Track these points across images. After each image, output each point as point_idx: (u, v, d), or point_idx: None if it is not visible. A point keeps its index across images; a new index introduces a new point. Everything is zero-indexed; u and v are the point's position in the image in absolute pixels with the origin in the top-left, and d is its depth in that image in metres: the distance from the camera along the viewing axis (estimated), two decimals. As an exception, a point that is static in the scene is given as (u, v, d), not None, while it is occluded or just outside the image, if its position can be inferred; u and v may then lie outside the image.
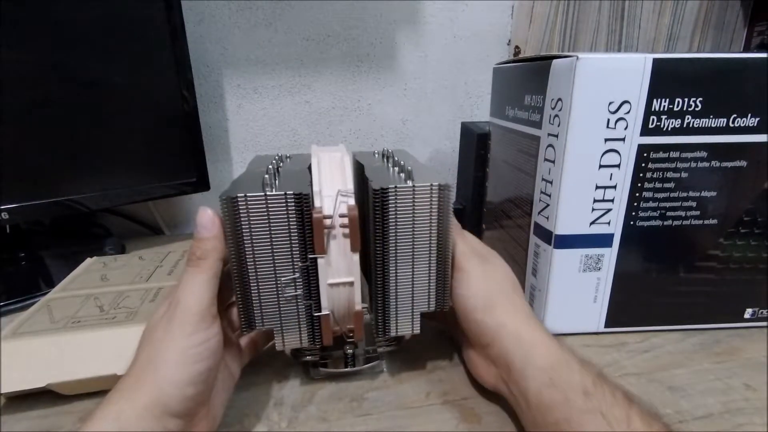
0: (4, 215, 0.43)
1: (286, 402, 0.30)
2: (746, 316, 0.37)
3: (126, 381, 0.23)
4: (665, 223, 0.34)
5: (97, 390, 0.30)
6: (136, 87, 0.48)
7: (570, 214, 0.34)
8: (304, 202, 0.26)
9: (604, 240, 0.34)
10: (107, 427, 0.21)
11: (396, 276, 0.28)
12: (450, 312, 0.33)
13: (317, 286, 0.28)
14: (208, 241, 0.25)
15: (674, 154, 0.33)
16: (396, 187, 0.27)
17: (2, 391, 0.28)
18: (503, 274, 0.31)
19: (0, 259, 0.49)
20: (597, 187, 0.33)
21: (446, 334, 0.36)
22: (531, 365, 0.25)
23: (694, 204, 0.34)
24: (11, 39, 0.41)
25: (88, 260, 0.44)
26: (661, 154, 0.32)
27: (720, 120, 0.32)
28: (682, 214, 0.34)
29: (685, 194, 0.34)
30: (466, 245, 0.30)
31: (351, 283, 0.29)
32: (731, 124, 0.32)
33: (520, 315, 0.28)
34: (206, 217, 0.26)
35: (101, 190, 0.48)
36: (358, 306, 0.29)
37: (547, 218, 0.35)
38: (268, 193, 0.26)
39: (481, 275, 0.29)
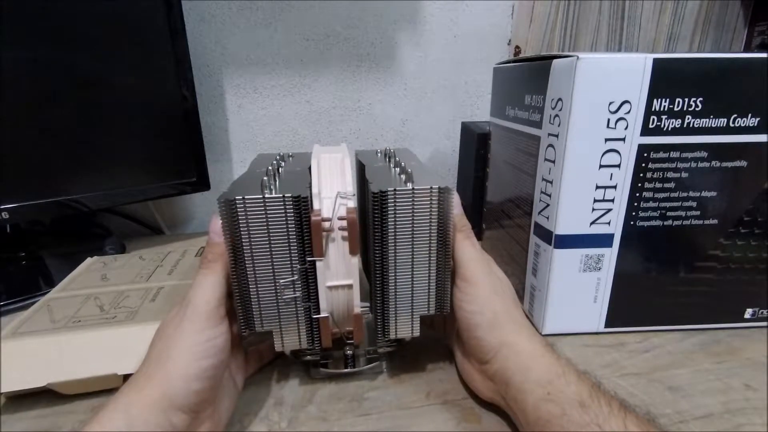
0: (4, 215, 0.43)
1: (286, 402, 0.30)
2: (746, 316, 0.37)
3: (137, 375, 0.24)
4: (665, 223, 0.34)
5: (97, 390, 0.30)
6: (137, 87, 0.48)
7: (570, 214, 0.34)
8: (302, 205, 0.26)
9: (604, 240, 0.34)
10: (117, 417, 0.22)
11: (395, 279, 0.28)
12: (448, 322, 0.33)
13: (316, 288, 0.28)
14: (219, 246, 0.27)
15: (674, 154, 0.33)
16: (395, 190, 0.27)
17: (2, 391, 0.28)
18: (507, 288, 0.31)
19: (0, 259, 0.49)
20: (597, 187, 0.33)
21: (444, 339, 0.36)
22: (529, 380, 0.25)
23: (694, 204, 0.34)
24: (11, 38, 0.41)
25: (88, 260, 0.44)
26: (661, 154, 0.32)
27: (720, 120, 0.32)
28: (683, 214, 0.34)
29: (685, 194, 0.34)
30: (475, 250, 0.30)
31: (350, 286, 0.29)
32: (731, 124, 0.32)
33: (520, 331, 0.28)
34: (218, 224, 0.27)
35: (101, 190, 0.48)
36: (357, 308, 0.29)
37: (548, 218, 0.35)
38: (266, 195, 0.25)
39: (490, 291, 0.29)
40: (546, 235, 0.35)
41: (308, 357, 0.32)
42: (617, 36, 0.70)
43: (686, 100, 0.31)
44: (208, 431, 0.25)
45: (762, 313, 0.37)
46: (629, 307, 0.36)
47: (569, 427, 0.22)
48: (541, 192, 0.35)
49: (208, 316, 0.25)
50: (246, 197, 0.25)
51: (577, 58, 0.30)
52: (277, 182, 0.29)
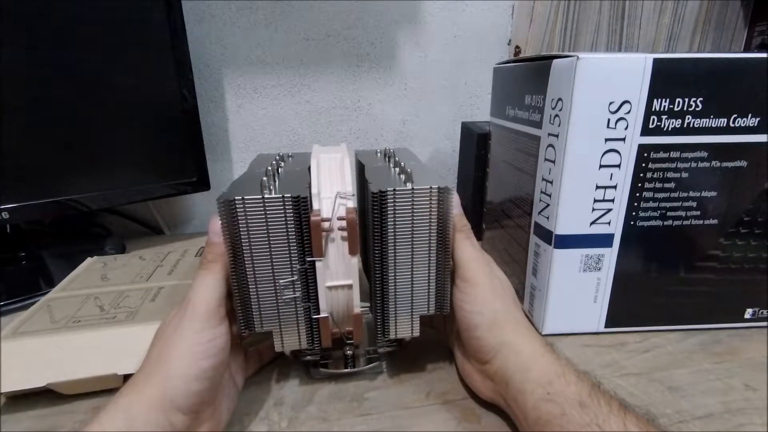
0: (4, 215, 0.43)
1: (287, 402, 0.30)
2: (746, 316, 0.37)
3: (137, 376, 0.24)
4: (665, 223, 0.34)
5: (97, 390, 0.30)
6: (137, 86, 0.48)
7: (570, 214, 0.34)
8: (302, 205, 0.26)
9: (604, 240, 0.34)
10: (117, 418, 0.22)
11: (395, 278, 0.28)
12: (448, 322, 0.33)
13: (316, 289, 0.28)
14: (218, 246, 0.27)
15: (674, 154, 0.33)
16: (395, 190, 0.27)
17: (2, 391, 0.28)
18: (507, 288, 0.31)
19: (0, 259, 0.49)
20: (597, 187, 0.33)
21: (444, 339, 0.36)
22: (529, 380, 0.25)
23: (694, 204, 0.34)
24: (11, 38, 0.41)
25: (89, 260, 0.44)
26: (661, 154, 0.32)
27: (720, 120, 0.32)
28: (683, 214, 0.34)
29: (685, 194, 0.34)
30: (475, 250, 0.30)
31: (350, 286, 0.29)
32: (731, 124, 0.32)
33: (520, 330, 0.28)
34: (217, 224, 0.27)
35: (101, 190, 0.48)
36: (357, 308, 0.29)
37: (548, 218, 0.35)
38: (266, 196, 0.25)
39: (490, 291, 0.29)
40: (546, 235, 0.35)
41: (308, 357, 0.32)
42: (617, 36, 0.70)
43: (686, 100, 0.31)
44: (208, 431, 0.25)
45: (762, 313, 0.37)
46: (629, 307, 0.36)
47: (569, 427, 0.22)
48: (541, 192, 0.35)
49: (208, 317, 0.25)
50: (245, 197, 0.25)
51: (577, 58, 0.30)
52: (277, 182, 0.29)
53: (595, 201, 0.33)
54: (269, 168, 0.30)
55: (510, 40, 0.67)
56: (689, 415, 0.29)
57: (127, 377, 0.26)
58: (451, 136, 0.69)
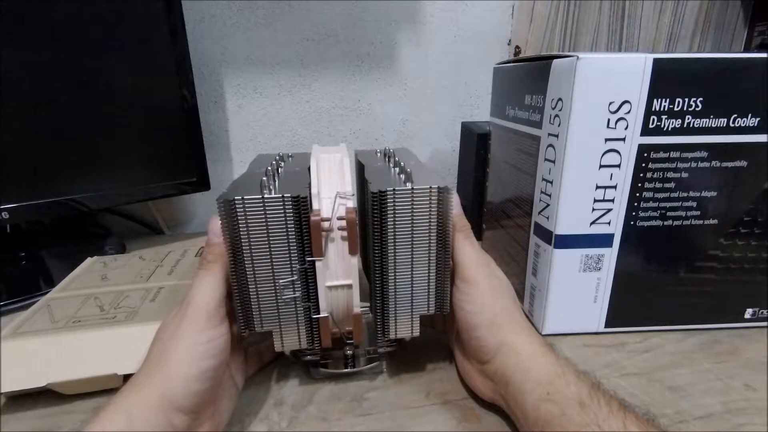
0: (4, 215, 0.43)
1: (287, 402, 0.30)
2: (746, 316, 0.37)
3: (137, 376, 0.24)
4: (665, 223, 0.34)
5: (97, 390, 0.30)
6: (137, 87, 0.48)
7: (570, 214, 0.34)
8: (302, 205, 0.26)
9: (604, 240, 0.34)
10: (117, 418, 0.22)
11: (395, 278, 0.28)
12: (448, 322, 0.34)
13: (316, 288, 0.28)
14: (218, 246, 0.27)
15: (674, 154, 0.33)
16: (394, 190, 0.27)
17: (2, 391, 0.28)
18: (507, 288, 0.31)
19: (0, 259, 0.49)
20: (597, 187, 0.33)
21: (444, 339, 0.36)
22: (529, 380, 0.25)
23: (694, 204, 0.34)
24: (12, 38, 0.41)
25: (88, 260, 0.44)
26: (661, 154, 0.32)
27: (720, 120, 0.32)
28: (683, 214, 0.34)
29: (685, 194, 0.34)
30: (475, 250, 0.30)
31: (349, 286, 0.29)
32: (731, 124, 0.32)
33: (520, 331, 0.28)
34: (217, 224, 0.27)
35: (101, 190, 0.48)
36: (357, 308, 0.29)
37: (548, 218, 0.35)
38: (265, 195, 0.25)
39: (489, 291, 0.29)
40: (546, 235, 0.35)
41: (308, 357, 0.32)
42: (617, 36, 0.70)
43: (686, 100, 0.31)
44: (208, 431, 0.25)
45: (762, 313, 0.37)
46: (629, 307, 0.36)
47: (569, 427, 0.22)
48: (541, 192, 0.35)
49: (209, 317, 0.25)
50: (245, 197, 0.25)
51: (577, 58, 0.30)
52: (277, 182, 0.29)
53: (595, 201, 0.33)
54: (269, 168, 0.30)
55: (510, 40, 0.67)
56: (689, 415, 0.29)
57: (127, 377, 0.26)
58: (451, 136, 0.69)
